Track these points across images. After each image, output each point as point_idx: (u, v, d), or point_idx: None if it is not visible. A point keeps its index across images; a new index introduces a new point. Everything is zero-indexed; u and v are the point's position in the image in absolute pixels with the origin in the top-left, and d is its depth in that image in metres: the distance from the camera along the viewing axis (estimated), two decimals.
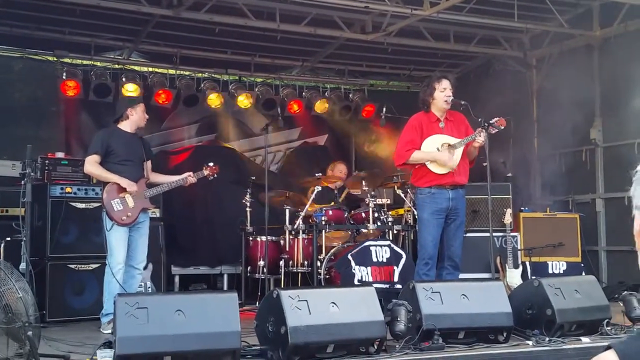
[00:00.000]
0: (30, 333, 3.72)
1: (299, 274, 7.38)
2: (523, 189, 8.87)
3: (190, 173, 6.16)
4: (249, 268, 7.68)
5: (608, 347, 1.45)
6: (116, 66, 9.04)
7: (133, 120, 5.98)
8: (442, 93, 5.91)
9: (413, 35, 8.83)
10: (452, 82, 6.02)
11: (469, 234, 7.41)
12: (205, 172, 6.23)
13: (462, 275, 6.13)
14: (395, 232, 7.45)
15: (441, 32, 8.93)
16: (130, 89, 8.62)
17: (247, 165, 9.63)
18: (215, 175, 6.31)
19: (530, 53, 9.45)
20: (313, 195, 7.39)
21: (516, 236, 7.87)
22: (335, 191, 8.23)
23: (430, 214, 5.88)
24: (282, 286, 7.17)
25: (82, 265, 6.62)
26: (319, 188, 7.46)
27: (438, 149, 5.88)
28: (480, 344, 4.69)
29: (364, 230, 7.30)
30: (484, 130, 5.77)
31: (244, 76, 9.80)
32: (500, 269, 7.50)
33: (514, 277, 7.39)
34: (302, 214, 7.40)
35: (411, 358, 4.33)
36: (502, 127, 5.86)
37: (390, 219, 7.38)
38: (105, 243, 5.73)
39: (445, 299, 4.71)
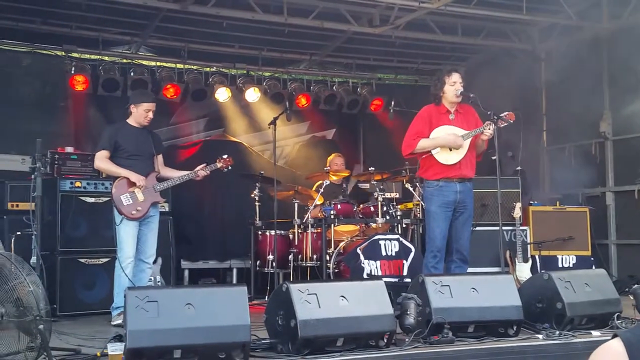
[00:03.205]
0: (41, 327, 3.73)
1: (308, 268, 7.41)
2: (532, 183, 8.83)
3: (203, 165, 6.15)
4: (258, 262, 7.69)
5: (615, 336, 1.47)
6: (124, 61, 9.05)
7: (134, 117, 5.98)
8: (452, 87, 5.91)
9: (421, 28, 8.80)
10: (462, 76, 6.02)
11: (478, 228, 7.41)
12: (219, 165, 6.19)
13: (471, 269, 6.12)
14: (404, 225, 7.45)
15: (449, 25, 8.90)
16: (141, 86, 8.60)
17: (255, 159, 9.64)
18: (230, 167, 6.27)
19: (539, 46, 9.41)
20: (322, 190, 7.40)
21: (525, 230, 7.86)
22: (343, 184, 8.22)
23: (438, 206, 5.89)
24: (292, 280, 7.18)
25: (92, 260, 6.65)
26: (327, 182, 7.45)
27: None
28: (490, 337, 4.68)
29: (373, 224, 7.29)
30: (492, 124, 5.78)
31: (251, 70, 9.78)
32: (510, 262, 7.49)
33: (523, 270, 7.39)
34: (312, 208, 7.41)
35: (421, 352, 4.32)
36: (511, 121, 5.89)
37: (399, 212, 7.38)
38: (115, 237, 5.76)
39: (455, 293, 4.70)
